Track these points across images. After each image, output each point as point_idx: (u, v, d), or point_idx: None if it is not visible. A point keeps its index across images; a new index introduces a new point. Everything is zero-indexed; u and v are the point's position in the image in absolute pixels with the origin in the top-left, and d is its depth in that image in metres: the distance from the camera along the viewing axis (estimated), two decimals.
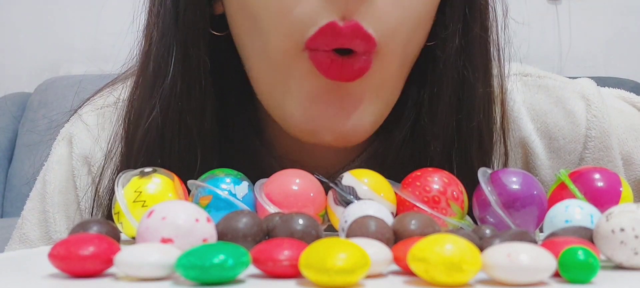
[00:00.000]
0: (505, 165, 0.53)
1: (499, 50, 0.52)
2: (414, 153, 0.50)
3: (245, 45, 0.48)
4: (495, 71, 0.52)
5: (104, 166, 0.54)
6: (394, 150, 0.51)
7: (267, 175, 0.40)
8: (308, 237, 0.30)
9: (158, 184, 0.38)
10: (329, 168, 0.53)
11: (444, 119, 0.49)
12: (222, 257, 0.25)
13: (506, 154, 0.53)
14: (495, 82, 0.52)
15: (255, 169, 0.51)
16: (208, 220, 0.30)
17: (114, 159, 0.53)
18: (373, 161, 0.53)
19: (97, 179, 0.55)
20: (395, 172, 0.49)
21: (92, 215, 0.55)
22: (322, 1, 0.42)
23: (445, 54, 0.49)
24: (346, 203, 0.37)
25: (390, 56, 0.45)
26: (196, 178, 0.41)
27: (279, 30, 0.44)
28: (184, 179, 0.41)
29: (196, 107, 0.49)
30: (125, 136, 0.51)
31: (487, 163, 0.51)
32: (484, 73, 0.50)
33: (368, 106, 0.46)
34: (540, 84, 0.57)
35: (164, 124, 0.48)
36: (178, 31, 0.48)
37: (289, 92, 0.45)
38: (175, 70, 0.48)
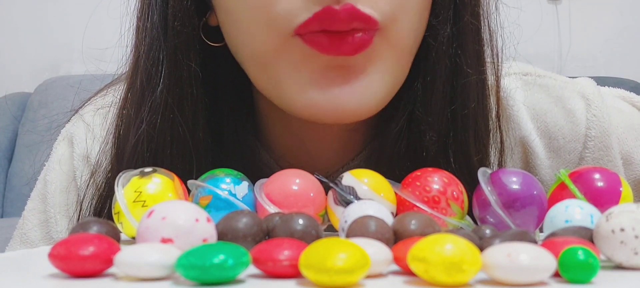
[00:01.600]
0: (502, 154, 0.53)
1: (491, 35, 0.52)
2: (410, 145, 0.50)
3: (237, 50, 0.48)
4: (488, 58, 0.52)
5: (94, 175, 0.54)
6: (391, 143, 0.51)
7: (267, 176, 0.40)
8: (308, 237, 0.30)
9: (158, 184, 0.38)
10: (328, 168, 0.53)
11: (438, 108, 0.49)
12: (222, 257, 0.25)
13: (502, 142, 0.53)
14: (490, 70, 0.52)
15: (255, 170, 0.51)
16: (208, 220, 0.30)
17: (106, 161, 0.53)
18: (372, 159, 0.53)
19: (91, 181, 0.55)
20: (393, 166, 0.49)
21: (78, 216, 0.55)
22: None
23: (437, 42, 0.48)
24: (346, 203, 0.37)
25: (395, 39, 0.45)
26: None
27: (262, 25, 0.44)
28: None
29: (188, 118, 0.48)
30: (116, 149, 0.51)
31: (484, 153, 0.51)
32: (476, 60, 0.50)
33: (373, 79, 0.45)
34: (540, 83, 0.57)
35: (152, 137, 0.48)
36: (167, 43, 0.48)
37: (287, 82, 0.45)
38: (164, 82, 0.48)
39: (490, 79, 0.52)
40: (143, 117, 0.48)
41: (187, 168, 0.49)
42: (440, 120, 0.49)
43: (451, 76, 0.49)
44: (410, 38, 0.46)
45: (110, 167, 0.52)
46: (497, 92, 0.53)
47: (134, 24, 0.51)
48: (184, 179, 0.41)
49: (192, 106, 0.49)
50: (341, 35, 0.43)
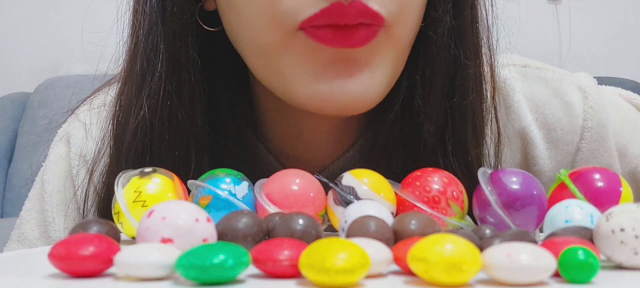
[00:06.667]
0: (499, 142, 0.53)
1: (489, 27, 0.52)
2: (408, 136, 0.50)
3: (237, 40, 0.48)
4: (485, 48, 0.52)
5: (92, 168, 0.54)
6: (386, 129, 0.51)
7: (262, 168, 0.40)
8: (308, 237, 0.30)
9: (158, 184, 0.38)
10: (325, 158, 0.53)
11: (437, 100, 0.49)
12: (222, 257, 0.25)
13: (499, 131, 0.53)
14: (485, 59, 0.52)
15: (250, 162, 0.51)
16: (208, 220, 0.30)
17: (103, 159, 0.53)
18: (367, 149, 0.53)
19: (88, 179, 0.55)
20: (390, 157, 0.50)
21: (84, 215, 0.55)
22: None
23: (437, 35, 0.49)
24: (346, 203, 0.37)
25: (397, 36, 0.45)
26: (189, 177, 0.40)
27: (266, 20, 0.44)
28: None
29: (186, 105, 0.49)
30: (114, 137, 0.51)
31: (480, 143, 0.51)
32: (475, 52, 0.50)
33: (376, 72, 0.45)
34: (538, 75, 0.57)
35: (152, 124, 0.48)
36: (165, 29, 0.48)
37: (291, 75, 0.45)
38: (163, 68, 0.48)
39: (485, 69, 0.52)
40: (142, 103, 0.48)
41: (186, 156, 0.49)
42: (438, 112, 0.50)
43: (450, 68, 0.50)
44: (410, 34, 0.47)
45: (108, 159, 0.52)
46: (492, 81, 0.53)
47: (131, 7, 0.50)
48: (182, 168, 0.41)
49: (190, 93, 0.49)
50: (347, 29, 0.43)
